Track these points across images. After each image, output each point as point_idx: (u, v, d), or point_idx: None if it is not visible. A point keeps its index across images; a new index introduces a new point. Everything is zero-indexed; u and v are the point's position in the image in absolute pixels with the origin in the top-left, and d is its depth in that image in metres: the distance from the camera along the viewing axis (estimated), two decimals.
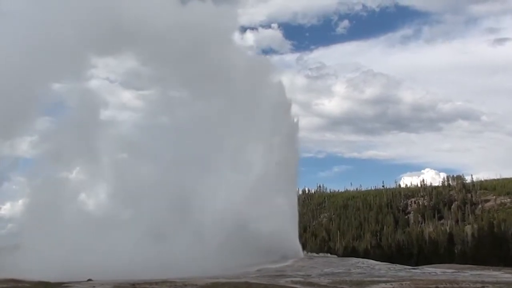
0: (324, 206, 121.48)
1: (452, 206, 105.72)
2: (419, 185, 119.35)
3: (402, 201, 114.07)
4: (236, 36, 53.89)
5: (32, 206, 41.29)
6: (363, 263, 39.33)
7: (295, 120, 52.28)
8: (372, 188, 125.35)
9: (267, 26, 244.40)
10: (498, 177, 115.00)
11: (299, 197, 54.08)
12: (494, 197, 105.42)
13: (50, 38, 40.60)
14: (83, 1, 44.14)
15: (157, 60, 50.83)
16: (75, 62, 43.92)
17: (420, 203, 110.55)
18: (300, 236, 50.90)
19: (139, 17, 45.66)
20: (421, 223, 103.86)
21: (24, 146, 48.36)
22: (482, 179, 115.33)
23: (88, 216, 43.26)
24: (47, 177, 42.63)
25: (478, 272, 32.89)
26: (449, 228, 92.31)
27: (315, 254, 50.75)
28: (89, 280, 27.76)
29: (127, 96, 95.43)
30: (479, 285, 23.23)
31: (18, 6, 43.34)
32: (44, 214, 39.68)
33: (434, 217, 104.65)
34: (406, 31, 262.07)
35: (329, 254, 55.77)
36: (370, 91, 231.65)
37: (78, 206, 44.08)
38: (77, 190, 45.00)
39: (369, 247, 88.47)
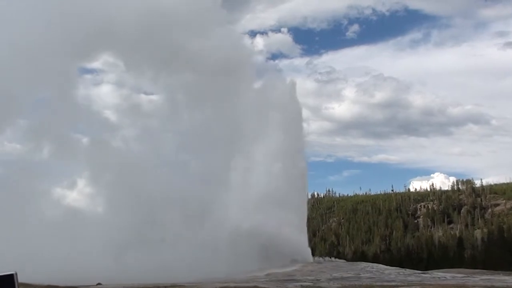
0: (333, 211, 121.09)
1: (462, 211, 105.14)
2: (428, 189, 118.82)
3: (412, 205, 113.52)
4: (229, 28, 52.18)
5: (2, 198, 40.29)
6: (373, 268, 39.30)
7: (304, 125, 52.22)
8: (381, 192, 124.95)
9: (277, 30, 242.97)
10: (508, 181, 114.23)
11: (308, 202, 53.74)
12: (504, 201, 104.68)
13: (27, 42, 40.68)
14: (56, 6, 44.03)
15: (134, 56, 50.78)
16: (56, 66, 43.70)
17: (430, 207, 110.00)
18: (310, 241, 50.84)
19: (113, 17, 45.46)
20: (431, 228, 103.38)
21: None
22: (492, 183, 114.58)
23: (66, 210, 43.30)
24: (20, 168, 42.50)
25: (488, 277, 32.79)
26: (459, 233, 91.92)
27: (322, 259, 50.61)
28: (99, 284, 27.94)
29: (110, 96, 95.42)
30: None
31: None
32: (14, 207, 39.20)
33: (443, 221, 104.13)
34: (415, 34, 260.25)
35: (337, 259, 55.58)
36: (380, 95, 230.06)
37: (55, 199, 44.04)
38: (54, 184, 45.23)
39: (378, 251, 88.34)
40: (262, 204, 43.67)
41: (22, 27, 41.26)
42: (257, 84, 51.91)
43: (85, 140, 47.40)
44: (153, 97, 57.52)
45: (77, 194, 48.70)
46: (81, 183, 48.00)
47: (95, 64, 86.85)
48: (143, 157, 47.66)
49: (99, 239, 39.42)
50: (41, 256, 34.59)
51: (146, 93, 64.29)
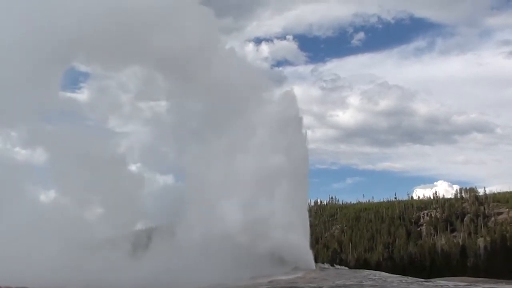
0: (336, 218, 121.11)
1: (465, 219, 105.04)
2: (431, 197, 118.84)
3: (415, 213, 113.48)
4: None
5: None
6: (375, 275, 39.17)
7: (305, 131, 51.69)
8: (385, 200, 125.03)
9: (282, 38, 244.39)
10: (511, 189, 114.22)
11: (311, 209, 53.67)
12: (507, 209, 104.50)
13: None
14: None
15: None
16: (33, 68, 43.47)
17: (433, 215, 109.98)
18: (312, 248, 50.69)
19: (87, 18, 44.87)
20: (434, 236, 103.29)
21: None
22: (495, 192, 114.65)
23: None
24: None
25: (491, 286, 32.80)
26: (462, 241, 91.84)
27: (325, 266, 50.47)
28: None
29: (87, 95, 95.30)
30: None
31: None
32: None
33: (446, 229, 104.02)
34: (420, 43, 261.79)
35: (340, 266, 55.43)
36: (385, 103, 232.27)
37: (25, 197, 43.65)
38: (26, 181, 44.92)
39: (381, 259, 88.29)
40: (265, 210, 43.53)
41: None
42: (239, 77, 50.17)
43: (57, 135, 46.77)
44: (131, 94, 56.78)
45: (43, 192, 47.99)
46: (51, 181, 47.23)
47: (73, 65, 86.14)
48: (119, 154, 47.14)
49: (71, 240, 38.67)
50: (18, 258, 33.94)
51: (123, 91, 63.82)
